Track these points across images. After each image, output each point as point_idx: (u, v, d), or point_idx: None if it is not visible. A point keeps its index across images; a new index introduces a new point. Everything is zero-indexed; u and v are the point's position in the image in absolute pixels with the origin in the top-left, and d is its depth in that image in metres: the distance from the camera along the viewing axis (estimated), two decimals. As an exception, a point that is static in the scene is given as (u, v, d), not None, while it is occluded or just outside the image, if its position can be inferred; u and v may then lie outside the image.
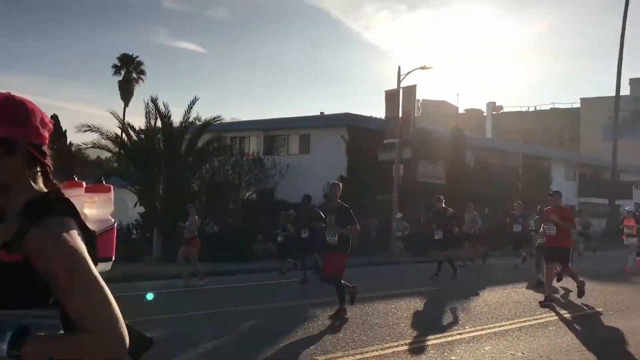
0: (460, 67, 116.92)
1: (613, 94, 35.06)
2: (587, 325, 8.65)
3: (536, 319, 8.99)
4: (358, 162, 25.29)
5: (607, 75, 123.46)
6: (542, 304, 10.07)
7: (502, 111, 58.35)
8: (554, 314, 9.47)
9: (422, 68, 23.76)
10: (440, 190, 25.92)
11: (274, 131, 29.92)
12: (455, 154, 28.41)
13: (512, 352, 6.81)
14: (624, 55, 34.41)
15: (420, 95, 55.23)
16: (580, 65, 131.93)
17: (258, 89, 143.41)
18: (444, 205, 14.45)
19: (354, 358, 6.49)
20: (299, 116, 30.67)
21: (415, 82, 25.41)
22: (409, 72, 23.96)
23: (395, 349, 6.88)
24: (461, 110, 55.99)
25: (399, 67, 24.18)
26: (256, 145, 29.93)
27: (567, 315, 9.40)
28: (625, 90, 45.13)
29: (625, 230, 17.22)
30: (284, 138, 29.70)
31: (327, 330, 7.95)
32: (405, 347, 6.98)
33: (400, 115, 23.87)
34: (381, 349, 6.87)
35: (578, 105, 54.92)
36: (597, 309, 9.95)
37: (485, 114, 55.58)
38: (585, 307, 10.17)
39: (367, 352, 6.74)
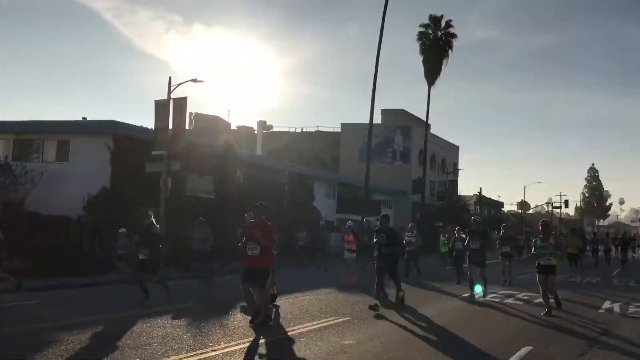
0: (232, 85, 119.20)
1: (368, 121, 38.84)
2: (335, 334, 9.21)
3: (290, 331, 9.35)
4: (124, 173, 23.98)
5: (364, 104, 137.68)
6: (251, 322, 9.63)
7: (271, 130, 60.99)
8: (307, 324, 9.95)
9: (194, 81, 23.63)
10: (209, 205, 26.08)
11: (26, 135, 26.86)
12: (226, 169, 28.70)
13: (263, 365, 6.94)
14: (377, 88, 38.53)
15: (193, 109, 54.81)
16: (342, 93, 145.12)
17: (11, 86, 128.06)
18: (153, 221, 12.84)
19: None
20: (57, 120, 28.03)
21: (187, 94, 24.99)
22: (180, 84, 23.63)
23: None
24: (233, 127, 56.94)
25: (170, 78, 23.71)
26: (4, 149, 26.59)
27: (318, 326, 9.94)
28: (378, 119, 50.76)
29: (345, 245, 18.02)
30: (38, 143, 26.84)
31: (69, 353, 7.21)
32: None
33: (170, 126, 23.30)
34: (128, 373, 6.45)
35: (339, 129, 59.97)
36: (344, 318, 10.74)
37: (256, 132, 57.37)
38: (334, 317, 10.88)
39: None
